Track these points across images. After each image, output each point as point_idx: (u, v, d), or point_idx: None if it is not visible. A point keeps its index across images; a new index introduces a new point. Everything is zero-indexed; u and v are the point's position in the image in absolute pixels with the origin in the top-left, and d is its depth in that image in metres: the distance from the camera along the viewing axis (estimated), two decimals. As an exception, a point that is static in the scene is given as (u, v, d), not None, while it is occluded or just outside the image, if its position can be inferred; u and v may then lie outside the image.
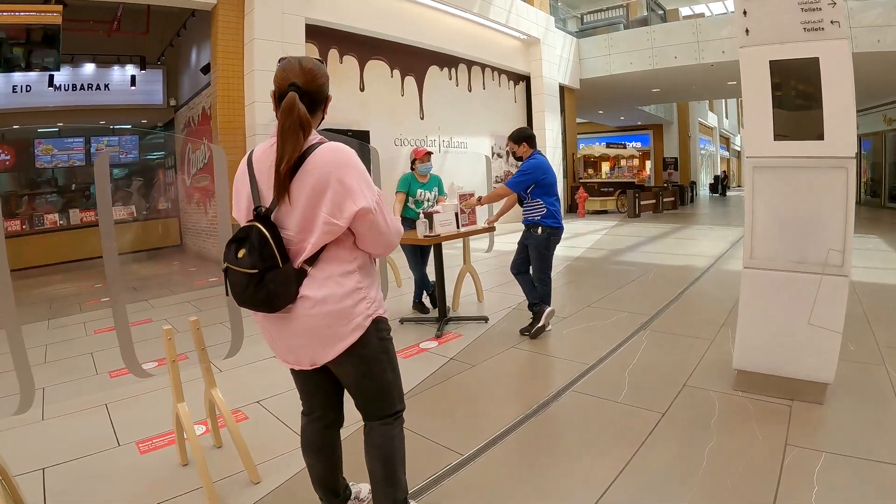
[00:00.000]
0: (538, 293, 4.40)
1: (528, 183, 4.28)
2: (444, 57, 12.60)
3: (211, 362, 2.63)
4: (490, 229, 4.97)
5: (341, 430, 2.00)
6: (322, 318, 1.61)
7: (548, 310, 4.34)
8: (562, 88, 16.31)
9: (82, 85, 11.80)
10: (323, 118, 1.80)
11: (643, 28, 16.40)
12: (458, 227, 4.75)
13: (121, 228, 12.11)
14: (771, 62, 2.84)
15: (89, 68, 11.82)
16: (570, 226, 13.53)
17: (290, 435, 2.84)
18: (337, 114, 10.25)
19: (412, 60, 11.89)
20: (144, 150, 13.74)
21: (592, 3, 19.63)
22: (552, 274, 4.48)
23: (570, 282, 6.68)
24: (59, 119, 11.86)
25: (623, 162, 23.14)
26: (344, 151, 1.62)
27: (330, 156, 1.58)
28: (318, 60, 1.74)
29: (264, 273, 1.57)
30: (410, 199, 5.21)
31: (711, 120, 32.44)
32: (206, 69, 9.76)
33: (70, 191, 12.61)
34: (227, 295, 1.71)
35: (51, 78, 10.83)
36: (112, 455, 2.76)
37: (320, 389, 1.88)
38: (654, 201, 16.92)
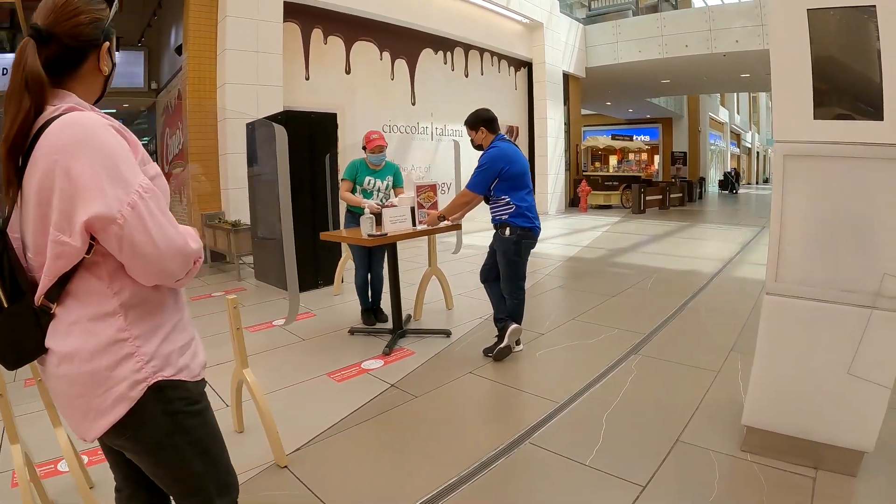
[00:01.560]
0: (507, 307, 3.68)
1: (489, 179, 3.54)
2: (439, 40, 11.85)
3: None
4: (455, 227, 4.23)
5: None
6: (69, 382, 1.08)
7: (512, 327, 3.61)
8: (566, 76, 15.47)
9: None
10: (107, 80, 1.22)
11: (653, 15, 15.54)
12: (413, 225, 4.01)
13: None
14: (809, 12, 2.06)
15: None
16: (571, 221, 12.80)
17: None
18: (321, 96, 9.65)
19: (404, 42, 11.15)
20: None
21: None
22: (525, 284, 3.74)
23: (559, 287, 5.93)
24: None
25: (631, 156, 22.25)
26: (79, 125, 1.03)
27: (58, 134, 1.01)
28: None
29: None
30: (358, 188, 4.47)
31: (723, 115, 31.40)
32: (179, 49, 9.08)
33: None
34: None
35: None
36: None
37: (122, 460, 1.31)
38: (660, 197, 16.08)
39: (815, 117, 2.09)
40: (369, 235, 3.81)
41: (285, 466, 2.38)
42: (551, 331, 4.25)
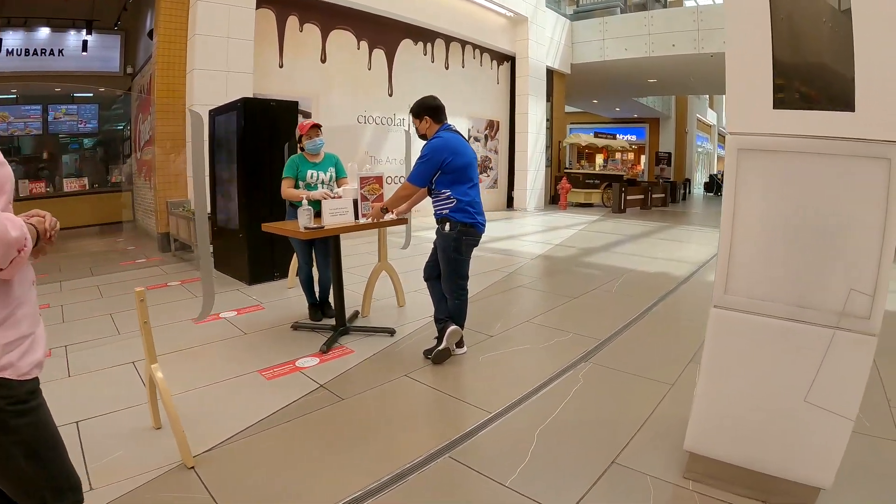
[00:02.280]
0: (448, 307, 3.40)
1: (430, 171, 3.28)
2: (420, 30, 11.51)
3: None
4: (401, 221, 3.95)
5: None
6: None
7: (451, 329, 3.34)
8: (550, 72, 15.19)
9: (35, 50, 10.94)
10: None
11: (641, 13, 15.29)
12: (356, 218, 3.73)
13: (74, 201, 11.52)
14: None
15: (43, 32, 10.94)
16: (548, 218, 12.54)
17: None
18: (295, 85, 9.39)
19: (382, 32, 10.83)
20: (104, 119, 13.02)
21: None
22: (470, 283, 3.48)
23: (521, 286, 5.65)
24: (12, 85, 11.00)
25: (617, 154, 22.03)
26: None
27: None
28: None
29: None
30: (301, 183, 4.19)
31: (711, 117, 31.32)
32: (151, 34, 8.75)
33: (22, 161, 12.15)
34: None
35: (-1, 41, 10.01)
36: None
37: None
38: (642, 196, 15.86)
39: (776, 106, 1.82)
40: (306, 228, 3.53)
41: (192, 467, 2.25)
42: (502, 333, 3.97)
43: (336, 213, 3.68)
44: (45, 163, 12.48)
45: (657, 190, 17.02)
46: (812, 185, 1.78)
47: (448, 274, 3.34)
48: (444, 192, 3.27)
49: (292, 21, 9.39)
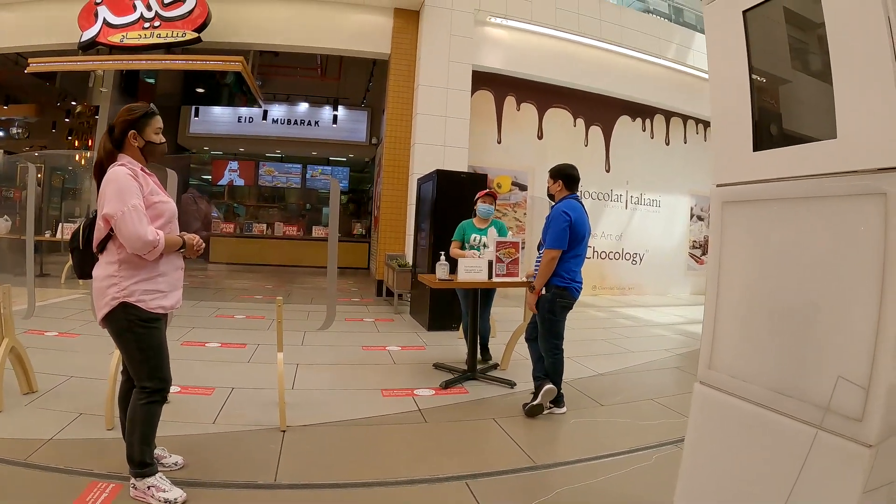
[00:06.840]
0: (544, 366, 3.65)
1: (566, 231, 3.53)
2: (637, 106, 11.69)
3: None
4: (528, 284, 4.27)
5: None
6: (94, 290, 2.25)
7: (546, 387, 3.56)
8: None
9: (295, 120, 14.14)
10: (143, 150, 2.32)
11: None
12: (489, 278, 4.22)
13: (320, 245, 13.80)
14: (746, 13, 1.66)
15: (302, 106, 14.17)
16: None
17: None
18: (512, 159, 10.42)
19: (599, 110, 11.29)
20: (354, 180, 15.95)
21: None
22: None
23: (674, 368, 5.37)
24: (277, 147, 14.22)
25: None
26: (112, 172, 2.18)
27: (106, 175, 2.19)
28: (138, 105, 2.32)
29: (73, 251, 2.40)
30: (466, 245, 4.93)
31: None
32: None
33: (281, 208, 15.66)
34: None
35: (265, 113, 13.39)
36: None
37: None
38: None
39: (756, 147, 1.63)
40: (440, 280, 4.17)
41: (283, 430, 3.15)
42: (615, 405, 4.00)
43: (471, 271, 4.23)
44: (305, 212, 15.63)
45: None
46: (794, 239, 1.54)
47: (543, 333, 3.63)
48: None
49: (510, 101, 10.47)
